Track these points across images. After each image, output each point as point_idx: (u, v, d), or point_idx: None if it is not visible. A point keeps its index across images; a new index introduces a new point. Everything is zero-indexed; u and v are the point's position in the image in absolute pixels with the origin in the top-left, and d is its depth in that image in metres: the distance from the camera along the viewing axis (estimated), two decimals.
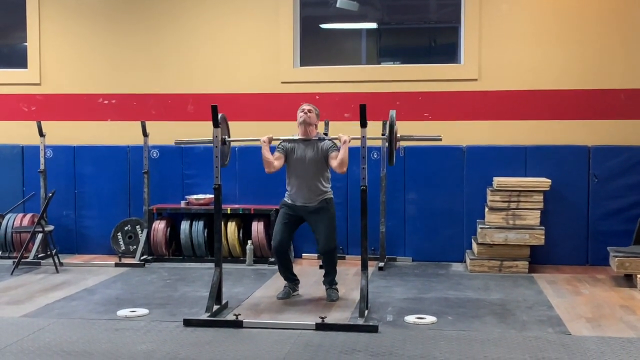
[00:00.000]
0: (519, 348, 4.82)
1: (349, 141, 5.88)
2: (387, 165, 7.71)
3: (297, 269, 6.74)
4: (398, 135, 5.84)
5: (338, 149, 5.97)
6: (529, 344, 4.91)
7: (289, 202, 6.19)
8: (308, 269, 7.42)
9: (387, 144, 5.85)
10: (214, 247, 5.95)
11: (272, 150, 6.13)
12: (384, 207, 7.74)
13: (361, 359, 4.59)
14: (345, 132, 6.42)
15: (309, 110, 6.08)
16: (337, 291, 6.27)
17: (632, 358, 4.61)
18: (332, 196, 6.22)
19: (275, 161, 6.06)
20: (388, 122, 5.75)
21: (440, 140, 6.22)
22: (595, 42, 7.87)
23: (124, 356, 4.68)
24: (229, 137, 6.00)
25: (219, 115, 5.76)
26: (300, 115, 6.09)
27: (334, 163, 5.96)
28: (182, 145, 6.92)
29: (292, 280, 6.38)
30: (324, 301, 6.13)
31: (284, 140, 6.18)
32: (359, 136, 5.61)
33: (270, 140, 6.07)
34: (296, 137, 6.12)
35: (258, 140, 6.05)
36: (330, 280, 6.28)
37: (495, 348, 4.83)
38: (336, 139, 6.07)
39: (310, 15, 8.62)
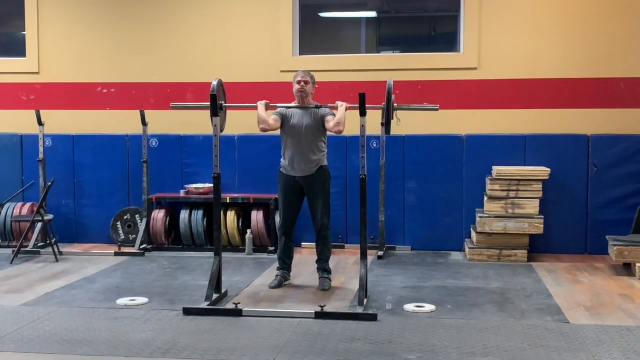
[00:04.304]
0: (518, 336, 4.84)
1: (346, 107, 5.94)
2: (386, 154, 7.73)
3: (296, 257, 6.76)
4: (395, 104, 5.85)
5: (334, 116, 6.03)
6: (527, 332, 4.92)
7: (285, 172, 6.20)
8: (308, 257, 7.42)
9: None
10: (213, 235, 5.96)
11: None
12: (383, 195, 7.74)
13: (360, 347, 4.60)
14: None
15: (305, 82, 6.09)
16: (330, 280, 6.25)
17: (630, 346, 4.62)
18: (326, 163, 6.21)
19: (270, 120, 6.08)
20: (386, 90, 5.75)
21: (437, 110, 6.28)
22: (595, 30, 7.84)
23: (123, 344, 4.69)
24: (225, 102, 6.02)
25: (216, 80, 5.81)
26: (296, 86, 6.10)
27: (330, 124, 5.98)
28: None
29: (286, 267, 6.35)
30: None
31: (281, 107, 6.21)
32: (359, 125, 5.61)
33: (267, 105, 6.10)
34: (293, 105, 6.16)
35: (255, 106, 6.08)
36: (323, 265, 6.24)
37: (494, 336, 4.84)
38: (334, 107, 6.07)
39: (309, 3, 8.58)
